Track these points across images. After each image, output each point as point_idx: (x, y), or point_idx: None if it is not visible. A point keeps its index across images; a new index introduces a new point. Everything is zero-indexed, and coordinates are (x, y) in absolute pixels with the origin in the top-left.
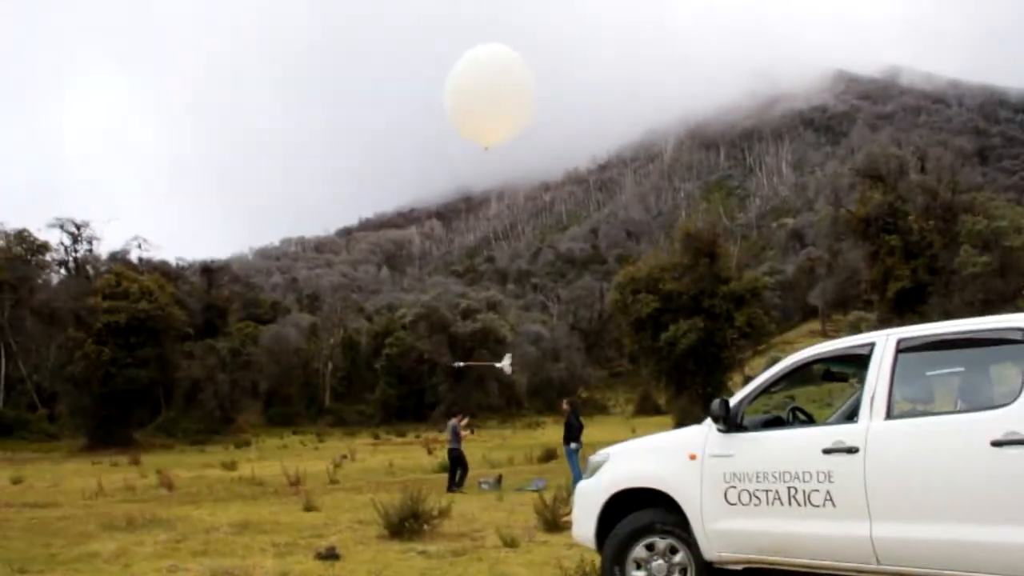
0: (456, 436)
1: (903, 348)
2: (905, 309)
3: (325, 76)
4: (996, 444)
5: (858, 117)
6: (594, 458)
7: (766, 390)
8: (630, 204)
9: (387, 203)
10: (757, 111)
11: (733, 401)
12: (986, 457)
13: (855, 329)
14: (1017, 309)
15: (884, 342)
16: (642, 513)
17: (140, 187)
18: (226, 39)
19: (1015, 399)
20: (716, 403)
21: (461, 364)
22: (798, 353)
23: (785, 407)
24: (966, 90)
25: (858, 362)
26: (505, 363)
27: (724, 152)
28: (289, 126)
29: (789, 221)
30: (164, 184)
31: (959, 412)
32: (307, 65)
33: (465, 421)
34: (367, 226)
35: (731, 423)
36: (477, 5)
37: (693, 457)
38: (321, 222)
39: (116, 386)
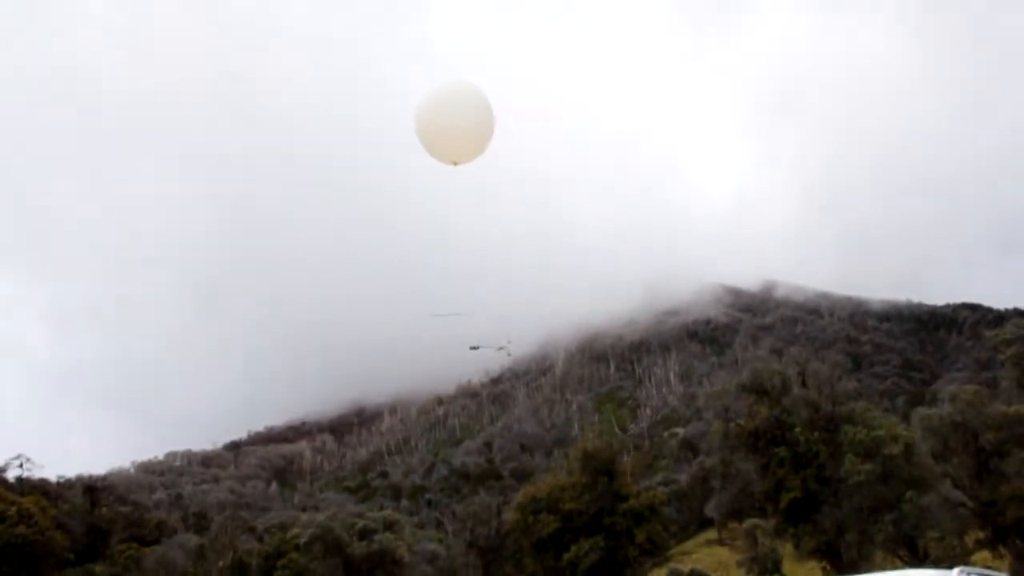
0: None
1: None
2: (798, 518)
3: (218, 286)
4: None
5: (740, 329)
6: None
7: None
8: (523, 417)
9: (278, 416)
10: (645, 324)
11: None
12: None
13: (751, 537)
14: (902, 514)
15: None
16: None
17: (8, 391)
18: (112, 245)
19: None
20: None
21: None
22: None
23: None
24: (836, 301)
25: None
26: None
27: (614, 364)
28: (175, 334)
29: (680, 431)
30: (37, 390)
31: None
32: (199, 275)
33: None
34: (257, 440)
35: None
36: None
37: None
38: (208, 435)
39: None
